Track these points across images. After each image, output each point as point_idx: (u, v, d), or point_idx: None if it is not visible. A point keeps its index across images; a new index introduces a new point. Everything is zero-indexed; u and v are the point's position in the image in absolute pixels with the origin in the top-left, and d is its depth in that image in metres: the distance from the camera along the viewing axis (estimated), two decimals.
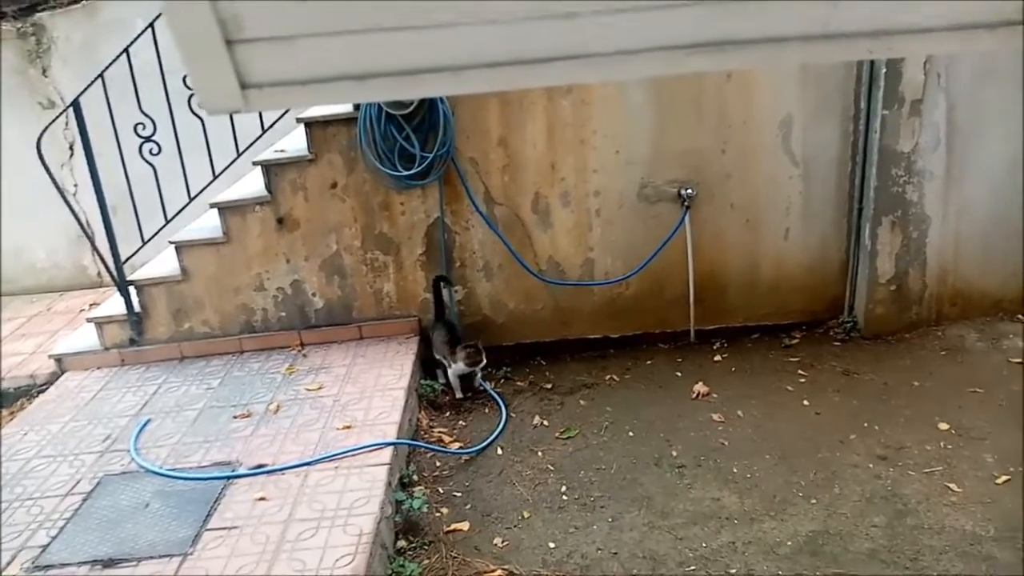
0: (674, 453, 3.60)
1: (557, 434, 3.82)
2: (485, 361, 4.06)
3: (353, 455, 3.41)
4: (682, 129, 4.20)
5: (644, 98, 4.14)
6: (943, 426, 3.61)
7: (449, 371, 4.14)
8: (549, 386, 4.24)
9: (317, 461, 3.38)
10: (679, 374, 4.25)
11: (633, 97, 4.14)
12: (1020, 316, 4.37)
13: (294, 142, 4.34)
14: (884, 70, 3.97)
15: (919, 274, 4.32)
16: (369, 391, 3.90)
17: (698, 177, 4.28)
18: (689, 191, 4.27)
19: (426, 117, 4.07)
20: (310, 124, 4.15)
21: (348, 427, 3.61)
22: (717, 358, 4.38)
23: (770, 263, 4.46)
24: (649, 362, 4.39)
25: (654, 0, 1.04)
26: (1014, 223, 4.25)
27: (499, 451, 3.73)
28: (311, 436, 3.57)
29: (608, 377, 4.24)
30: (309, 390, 3.98)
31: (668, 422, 3.83)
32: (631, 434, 3.77)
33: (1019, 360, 4.03)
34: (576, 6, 1.05)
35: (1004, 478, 3.25)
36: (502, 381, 4.30)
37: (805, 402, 3.89)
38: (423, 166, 4.09)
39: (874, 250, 4.26)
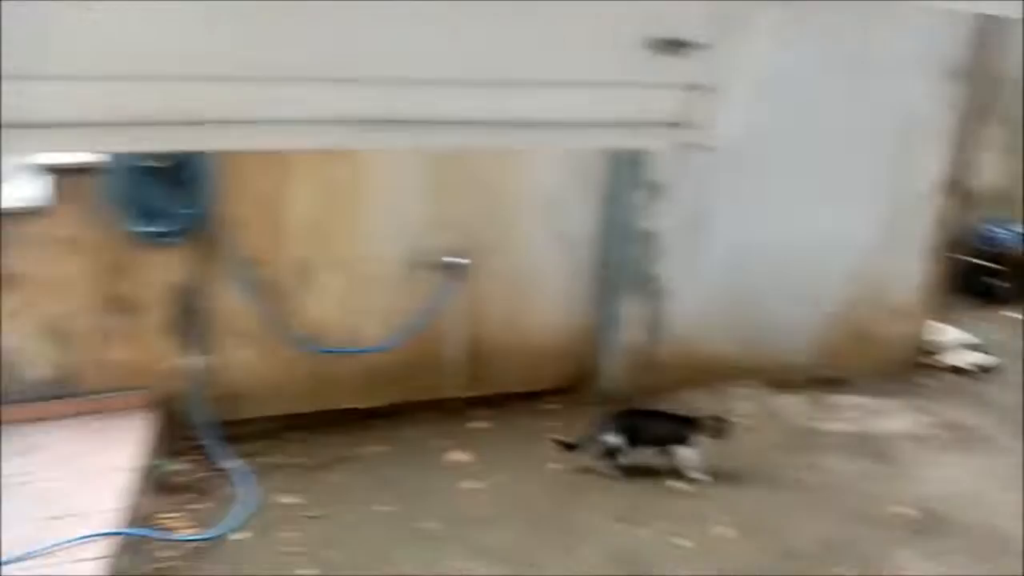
0: (429, 525, 3.53)
1: (308, 513, 3.60)
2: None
3: (66, 548, 2.97)
4: (454, 200, 4.29)
5: (420, 168, 4.18)
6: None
7: (685, 453, 3.92)
8: (303, 460, 4.00)
9: (15, 560, 2.90)
10: (441, 443, 4.20)
11: (409, 166, 4.16)
12: (745, 382, 4.88)
13: (32, 190, 3.81)
14: (634, 156, 4.34)
15: (661, 342, 4.70)
16: (91, 475, 3.44)
17: (467, 247, 4.37)
18: (458, 260, 4.34)
19: (184, 172, 3.80)
20: (54, 171, 3.68)
21: (60, 518, 3.15)
22: (481, 425, 4.42)
23: (532, 332, 4.62)
24: (411, 431, 4.31)
25: (322, 73, 1.02)
26: (747, 297, 4.79)
27: (240, 536, 3.43)
28: (14, 532, 3.05)
29: (367, 449, 4.10)
30: (14, 477, 3.43)
31: (424, 495, 3.76)
32: (385, 508, 3.65)
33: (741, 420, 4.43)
34: (237, 71, 1.00)
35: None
36: (253, 457, 3.98)
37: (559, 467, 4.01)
38: (177, 224, 3.81)
39: (621, 320, 4.60)
